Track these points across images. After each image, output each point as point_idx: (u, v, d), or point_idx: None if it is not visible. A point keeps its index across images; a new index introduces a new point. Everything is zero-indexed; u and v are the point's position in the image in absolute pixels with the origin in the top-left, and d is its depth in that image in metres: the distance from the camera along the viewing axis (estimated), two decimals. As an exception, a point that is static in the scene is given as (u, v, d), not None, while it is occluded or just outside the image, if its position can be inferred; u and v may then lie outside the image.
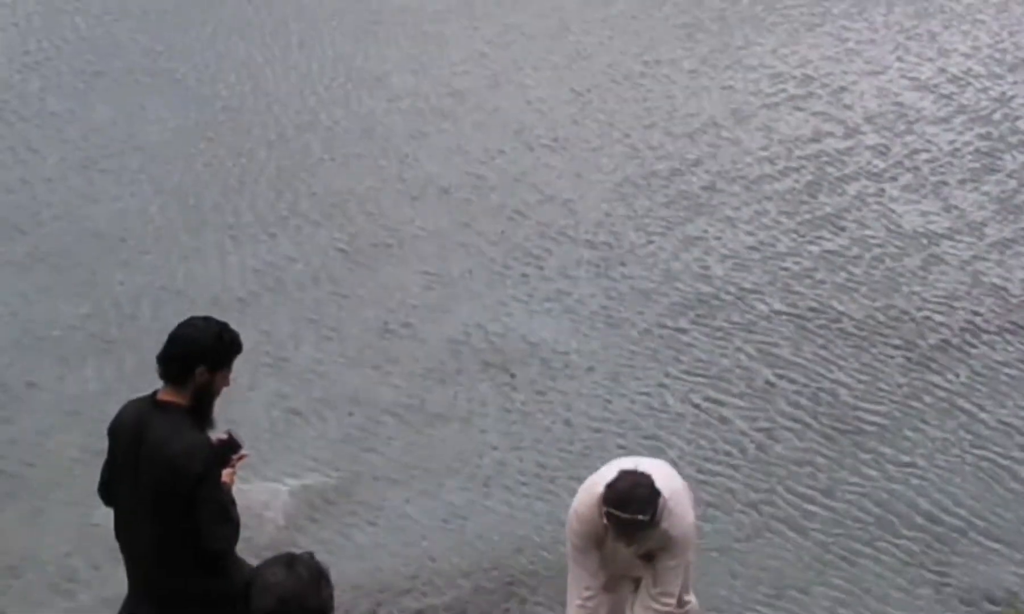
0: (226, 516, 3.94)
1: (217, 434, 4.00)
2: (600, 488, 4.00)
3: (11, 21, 10.67)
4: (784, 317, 6.54)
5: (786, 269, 6.98)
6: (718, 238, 7.34)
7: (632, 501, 3.88)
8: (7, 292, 6.84)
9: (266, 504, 5.30)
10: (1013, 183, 7.93)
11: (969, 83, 9.46)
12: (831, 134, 8.70)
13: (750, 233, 7.40)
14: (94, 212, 7.83)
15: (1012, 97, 9.20)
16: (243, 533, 3.99)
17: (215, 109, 9.17)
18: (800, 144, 8.56)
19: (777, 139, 8.63)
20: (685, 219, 7.60)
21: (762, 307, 6.61)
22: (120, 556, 4.11)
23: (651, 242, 7.31)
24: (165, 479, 3.87)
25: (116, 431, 4.07)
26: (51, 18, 10.70)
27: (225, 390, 4.02)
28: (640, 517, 3.87)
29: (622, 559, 4.18)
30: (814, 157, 8.35)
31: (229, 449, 4.02)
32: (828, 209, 7.69)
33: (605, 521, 3.96)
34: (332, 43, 10.25)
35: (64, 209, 7.87)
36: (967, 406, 5.82)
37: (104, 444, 4.02)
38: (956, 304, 6.61)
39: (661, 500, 3.92)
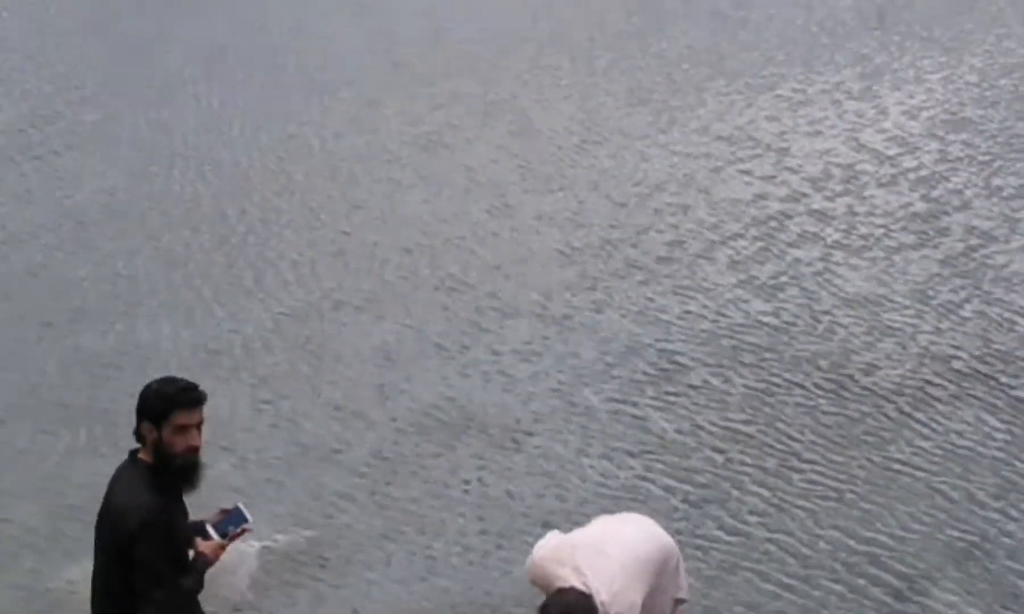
0: (157, 580, 3.84)
1: (224, 505, 4.07)
2: (559, 562, 4.01)
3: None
4: (737, 386, 6.43)
5: (735, 338, 6.89)
6: (666, 307, 7.23)
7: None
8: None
9: (236, 565, 5.18)
10: (959, 246, 7.93)
11: (914, 145, 9.51)
12: (776, 197, 8.68)
13: (698, 302, 7.31)
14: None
15: (956, 158, 9.26)
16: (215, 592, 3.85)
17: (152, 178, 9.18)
18: (745, 208, 8.53)
19: (723, 204, 8.59)
20: (633, 286, 7.53)
21: (714, 379, 6.50)
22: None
23: (600, 312, 7.22)
24: (106, 533, 3.97)
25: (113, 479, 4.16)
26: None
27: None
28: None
29: None
30: (760, 221, 8.33)
31: (232, 522, 3.97)
32: (774, 275, 7.62)
33: None
34: (267, 109, 10.35)
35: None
36: (925, 477, 5.71)
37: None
38: (907, 372, 6.55)
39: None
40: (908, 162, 9.25)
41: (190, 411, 3.97)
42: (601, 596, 3.90)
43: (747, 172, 9.13)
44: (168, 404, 3.94)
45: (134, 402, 3.88)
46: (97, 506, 3.96)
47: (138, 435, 3.96)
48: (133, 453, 4.02)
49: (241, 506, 4.06)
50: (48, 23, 13.39)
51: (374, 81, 11.06)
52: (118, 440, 4.19)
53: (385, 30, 12.75)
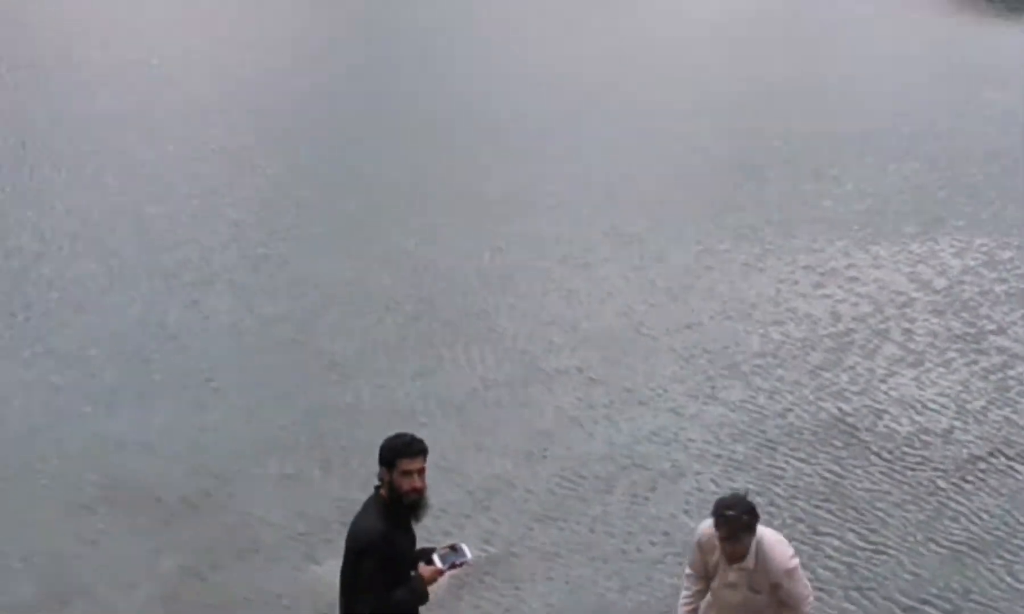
0: (371, 588, 4.77)
1: (448, 542, 5.15)
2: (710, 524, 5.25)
3: None
4: (816, 467, 8.42)
5: (816, 430, 8.93)
6: (764, 405, 9.30)
7: (736, 503, 5.20)
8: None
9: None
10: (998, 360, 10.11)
11: (961, 281, 11.79)
12: (848, 316, 10.86)
13: (787, 399, 9.41)
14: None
15: (992, 291, 11.53)
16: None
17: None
18: (823, 325, 10.69)
19: (805, 320, 10.78)
20: (734, 383, 9.64)
21: (796, 461, 8.49)
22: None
23: (707, 404, 9.36)
24: (347, 544, 4.98)
25: None
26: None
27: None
28: (744, 517, 5.16)
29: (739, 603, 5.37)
30: (835, 335, 10.51)
31: (454, 556, 4.90)
32: (850, 379, 9.73)
33: (717, 530, 5.18)
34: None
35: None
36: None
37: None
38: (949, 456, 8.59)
39: (757, 519, 5.22)
40: (953, 293, 11.45)
41: (412, 459, 4.89)
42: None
43: (826, 296, 11.34)
44: (395, 454, 4.88)
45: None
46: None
47: (378, 476, 4.92)
48: (377, 488, 4.93)
49: (464, 545, 4.99)
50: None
51: (541, 214, 13.61)
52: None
53: (545, 175, 15.03)
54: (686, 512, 7.84)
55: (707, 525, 5.40)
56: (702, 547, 5.49)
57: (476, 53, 20.80)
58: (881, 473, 8.41)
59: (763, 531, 5.40)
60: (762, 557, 5.31)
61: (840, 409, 9.26)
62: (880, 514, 7.89)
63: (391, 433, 5.02)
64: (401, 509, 4.88)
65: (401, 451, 4.88)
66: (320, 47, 21.16)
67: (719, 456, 8.61)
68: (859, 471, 8.42)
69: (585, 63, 19.85)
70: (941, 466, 8.49)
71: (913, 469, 8.47)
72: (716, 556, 5.39)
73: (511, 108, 17.44)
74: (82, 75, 18.75)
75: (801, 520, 7.77)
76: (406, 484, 4.84)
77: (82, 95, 17.59)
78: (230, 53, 20.02)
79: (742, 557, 5.32)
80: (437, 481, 6.23)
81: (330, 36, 22.15)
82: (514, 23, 22.95)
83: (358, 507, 5.02)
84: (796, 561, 5.43)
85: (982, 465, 8.52)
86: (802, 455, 8.63)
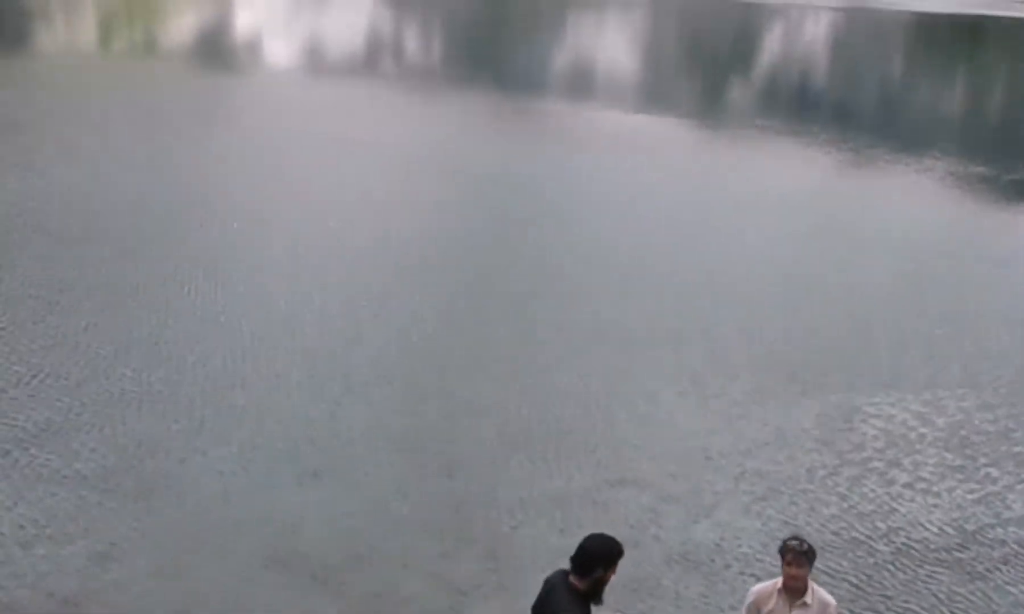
0: None
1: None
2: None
3: None
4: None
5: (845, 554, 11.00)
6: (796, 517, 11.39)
7: (800, 537, 6.71)
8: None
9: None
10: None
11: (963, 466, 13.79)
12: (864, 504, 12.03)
13: (803, 521, 11.51)
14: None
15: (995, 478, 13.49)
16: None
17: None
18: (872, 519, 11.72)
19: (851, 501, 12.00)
20: (750, 507, 11.58)
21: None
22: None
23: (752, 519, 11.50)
24: None
25: (545, 582, 6.09)
26: None
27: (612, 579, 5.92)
28: (808, 545, 6.59)
29: None
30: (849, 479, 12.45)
31: None
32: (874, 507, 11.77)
33: (785, 558, 6.55)
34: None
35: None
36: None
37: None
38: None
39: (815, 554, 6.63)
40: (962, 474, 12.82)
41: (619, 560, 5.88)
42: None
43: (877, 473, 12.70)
44: (616, 556, 5.77)
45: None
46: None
47: (582, 571, 5.64)
48: (565, 573, 5.67)
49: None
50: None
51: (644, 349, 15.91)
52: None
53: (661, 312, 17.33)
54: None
55: (757, 586, 7.12)
56: (757, 603, 6.92)
57: (599, 209, 23.14)
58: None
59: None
60: (818, 595, 6.83)
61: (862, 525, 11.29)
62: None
63: (598, 536, 6.08)
64: (595, 598, 5.73)
65: (619, 554, 5.74)
66: (458, 202, 23.41)
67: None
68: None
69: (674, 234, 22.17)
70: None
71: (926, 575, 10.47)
72: (772, 603, 6.80)
73: (633, 261, 19.71)
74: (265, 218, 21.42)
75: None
76: (610, 579, 5.75)
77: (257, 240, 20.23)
78: (374, 209, 22.38)
79: (804, 588, 6.72)
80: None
81: (467, 192, 24.31)
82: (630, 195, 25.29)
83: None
84: None
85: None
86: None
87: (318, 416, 13.04)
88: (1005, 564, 10.84)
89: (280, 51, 48.01)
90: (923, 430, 13.73)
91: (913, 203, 25.19)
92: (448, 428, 12.99)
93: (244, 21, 63.04)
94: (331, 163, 25.38)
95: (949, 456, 13.08)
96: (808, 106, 39.83)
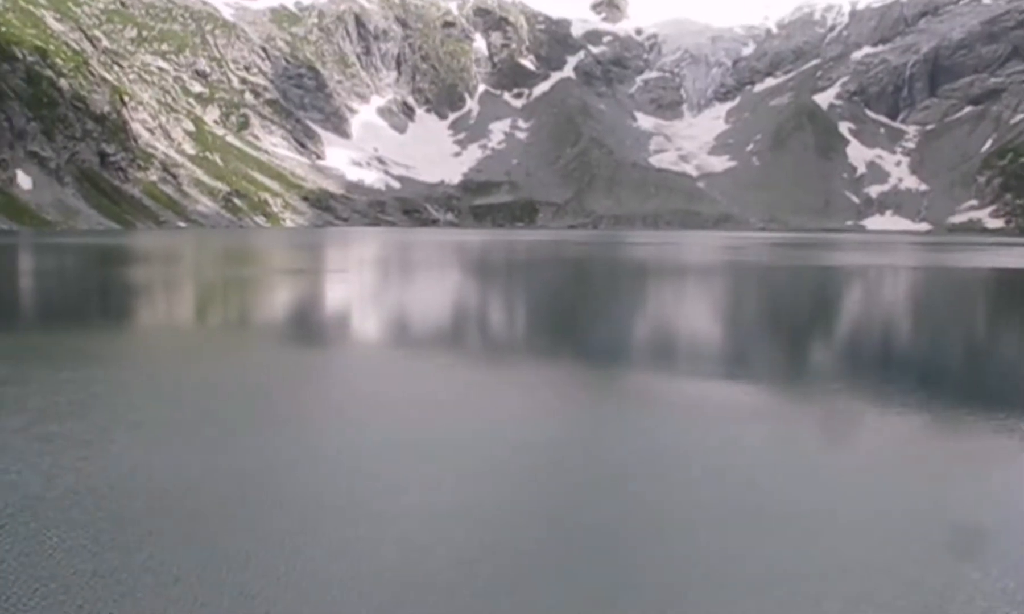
0: None
1: None
2: None
3: None
4: None
5: None
6: None
7: None
8: None
9: None
10: None
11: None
12: None
13: None
14: None
15: None
16: None
17: None
18: None
19: None
20: None
21: None
22: None
23: None
24: None
25: None
26: None
27: None
28: None
29: None
30: None
31: None
32: None
33: None
34: None
35: None
36: None
37: None
38: None
39: None
40: None
41: None
42: None
43: None
44: None
45: None
46: None
47: None
48: None
49: None
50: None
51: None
52: None
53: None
54: None
55: None
56: None
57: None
58: None
59: None
60: None
61: None
62: None
63: None
64: None
65: None
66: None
67: None
68: None
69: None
70: None
71: None
72: None
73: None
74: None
75: None
76: None
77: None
78: (451, 489, 23.01)
79: None
80: None
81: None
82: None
83: None
84: None
85: None
86: None
87: None
88: None
89: (369, 326, 49.87)
90: None
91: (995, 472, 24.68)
92: None
93: (334, 295, 65.70)
94: (409, 441, 25.84)
95: None
96: (891, 366, 39.97)
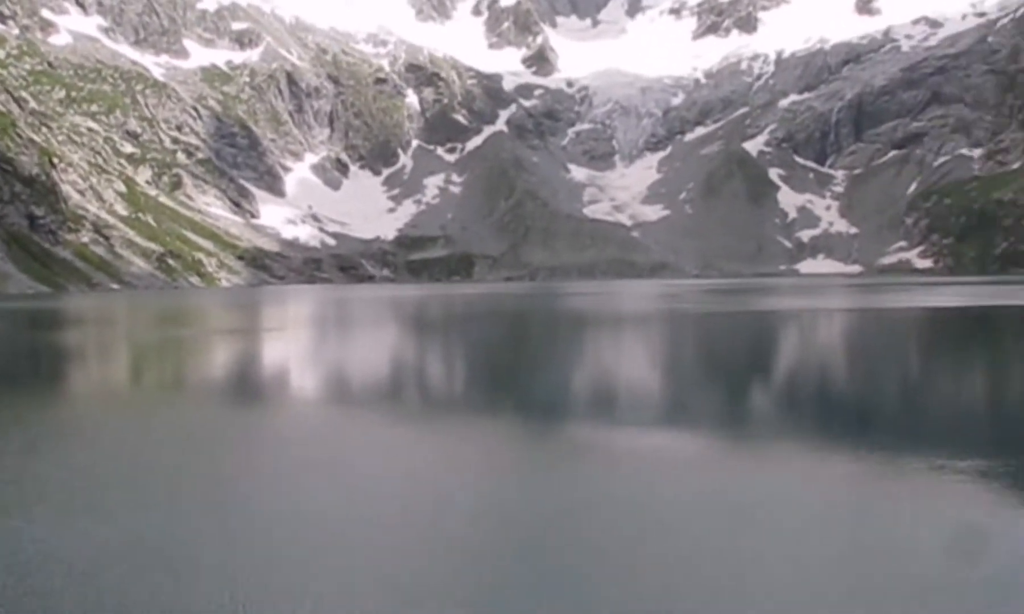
0: None
1: None
2: None
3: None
4: None
5: None
6: None
7: None
8: None
9: None
10: None
11: None
12: None
13: None
14: None
15: None
16: None
17: None
18: None
19: None
20: None
21: None
22: None
23: None
24: None
25: None
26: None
27: None
28: None
29: None
30: None
31: None
32: None
33: None
34: None
35: None
36: None
37: None
38: None
39: None
40: None
41: None
42: None
43: None
44: None
45: None
46: None
47: None
48: None
49: None
50: None
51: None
52: None
53: None
54: None
55: None
56: None
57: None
58: None
59: None
60: None
61: None
62: None
63: None
64: None
65: None
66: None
67: None
68: None
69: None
70: None
71: None
72: None
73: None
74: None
75: None
76: None
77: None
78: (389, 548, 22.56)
79: None
80: None
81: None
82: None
83: None
84: None
85: None
86: None
87: None
88: None
89: (305, 385, 49.32)
90: None
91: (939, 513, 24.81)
92: None
93: (270, 354, 64.96)
94: (350, 501, 25.43)
95: None
96: (827, 409, 40.40)
